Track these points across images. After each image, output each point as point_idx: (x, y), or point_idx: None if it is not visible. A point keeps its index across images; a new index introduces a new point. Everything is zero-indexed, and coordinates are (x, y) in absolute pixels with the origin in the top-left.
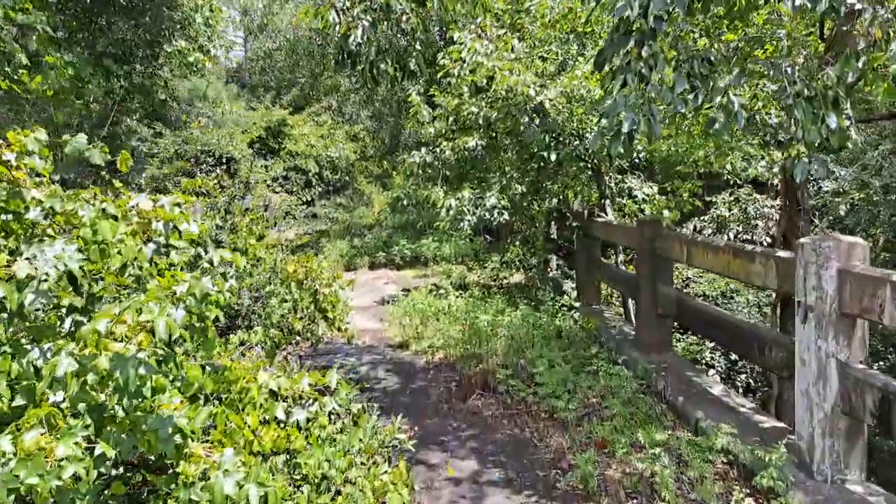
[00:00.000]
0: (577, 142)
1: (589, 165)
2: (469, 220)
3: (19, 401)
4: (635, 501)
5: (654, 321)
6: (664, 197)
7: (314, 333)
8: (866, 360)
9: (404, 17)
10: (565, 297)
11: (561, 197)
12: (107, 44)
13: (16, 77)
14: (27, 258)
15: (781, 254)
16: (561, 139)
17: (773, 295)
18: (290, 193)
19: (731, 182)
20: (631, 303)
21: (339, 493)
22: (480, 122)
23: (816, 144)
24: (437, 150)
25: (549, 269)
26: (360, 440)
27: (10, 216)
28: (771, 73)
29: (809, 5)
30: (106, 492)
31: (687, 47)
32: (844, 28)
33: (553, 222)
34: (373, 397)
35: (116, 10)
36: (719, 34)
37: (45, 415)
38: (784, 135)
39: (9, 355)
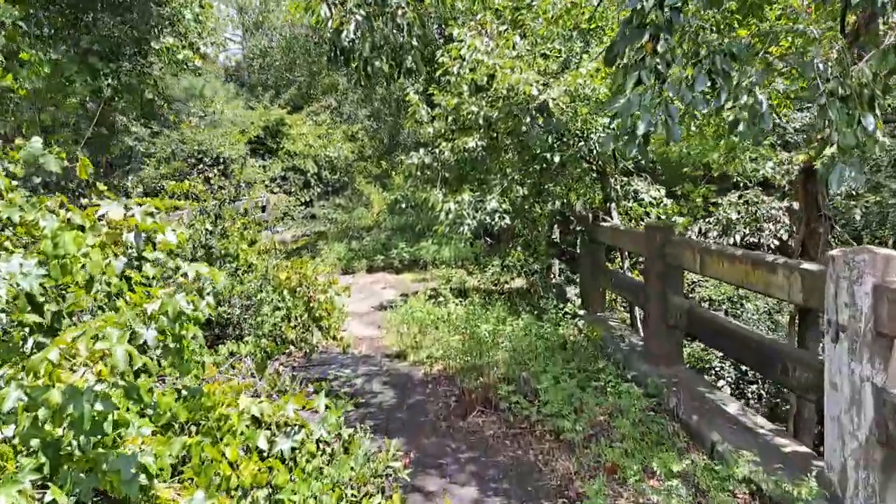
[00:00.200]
0: (582, 142)
1: (593, 167)
2: (469, 224)
3: None
4: None
5: (663, 332)
6: (673, 201)
7: (308, 343)
8: None
9: (400, 12)
10: (569, 304)
11: (564, 199)
12: (92, 41)
13: None
14: None
15: (808, 266)
16: (564, 140)
17: (790, 305)
18: (288, 194)
19: (740, 184)
20: (638, 311)
21: None
22: (481, 121)
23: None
24: (436, 150)
25: (551, 275)
26: (352, 468)
27: None
28: (800, 69)
29: None
30: None
31: (708, 41)
32: (870, 23)
33: (556, 226)
34: (367, 413)
35: (103, 5)
36: (731, 30)
37: None
38: (799, 136)
39: None
